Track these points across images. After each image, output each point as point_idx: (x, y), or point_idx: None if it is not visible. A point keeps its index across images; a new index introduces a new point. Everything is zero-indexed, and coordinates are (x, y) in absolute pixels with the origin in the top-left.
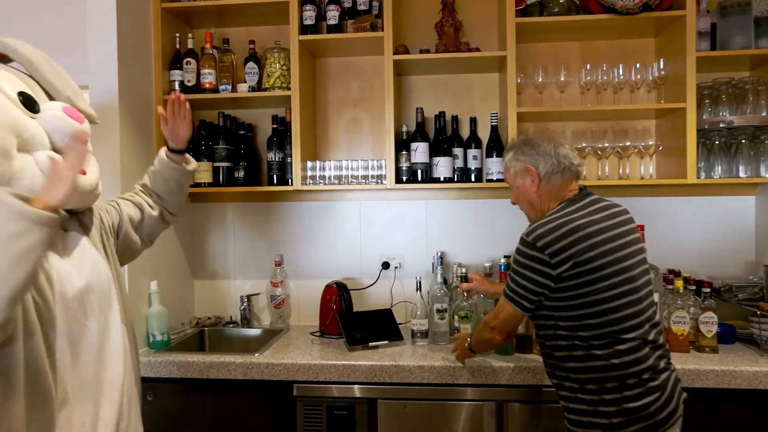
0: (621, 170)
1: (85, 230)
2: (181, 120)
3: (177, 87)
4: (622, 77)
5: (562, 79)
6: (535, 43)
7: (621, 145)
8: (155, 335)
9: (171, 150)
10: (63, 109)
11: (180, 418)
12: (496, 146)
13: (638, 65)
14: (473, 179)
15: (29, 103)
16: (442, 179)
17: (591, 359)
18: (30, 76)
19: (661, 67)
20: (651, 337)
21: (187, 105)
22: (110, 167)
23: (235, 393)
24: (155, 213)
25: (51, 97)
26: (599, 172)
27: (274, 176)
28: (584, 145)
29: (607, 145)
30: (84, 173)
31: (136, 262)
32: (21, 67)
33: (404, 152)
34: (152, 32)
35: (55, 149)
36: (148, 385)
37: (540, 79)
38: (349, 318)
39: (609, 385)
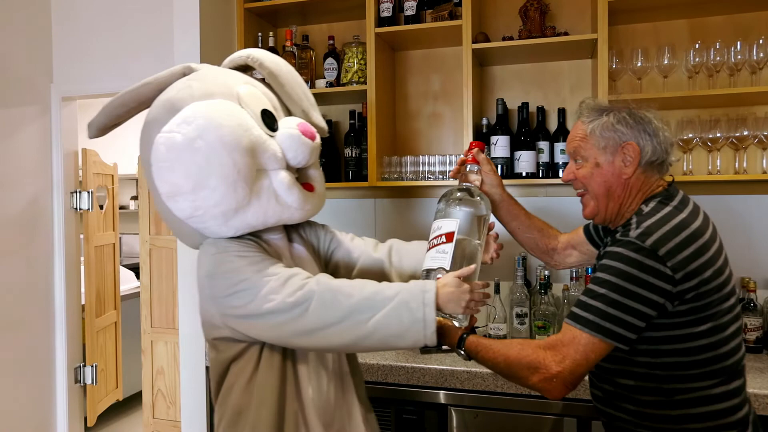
0: (737, 164)
1: (304, 243)
2: None
3: None
4: (740, 57)
5: (666, 62)
6: (633, 24)
7: (737, 134)
8: None
9: None
10: (298, 127)
11: None
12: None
13: (761, 40)
14: (561, 175)
15: (270, 122)
16: (524, 174)
17: (694, 404)
18: (270, 87)
19: None
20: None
21: None
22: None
23: None
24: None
25: (287, 110)
26: (710, 167)
27: (351, 172)
28: (691, 135)
29: (720, 135)
30: (312, 188)
31: None
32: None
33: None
34: (235, 33)
35: (288, 166)
36: None
37: (639, 64)
38: None
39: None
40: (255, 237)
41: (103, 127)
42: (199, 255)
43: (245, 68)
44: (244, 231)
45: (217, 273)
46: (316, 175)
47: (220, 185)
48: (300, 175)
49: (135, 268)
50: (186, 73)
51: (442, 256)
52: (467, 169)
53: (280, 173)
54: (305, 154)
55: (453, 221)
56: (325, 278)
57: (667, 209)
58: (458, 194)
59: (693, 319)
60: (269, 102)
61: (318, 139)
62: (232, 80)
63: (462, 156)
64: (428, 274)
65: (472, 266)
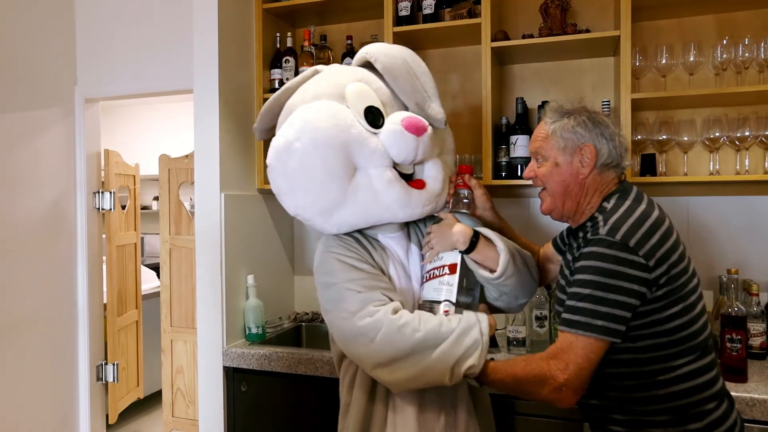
0: (767, 164)
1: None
2: None
3: (276, 85)
4: None
5: (692, 59)
6: (657, 21)
7: (767, 133)
8: (251, 328)
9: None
10: (402, 123)
11: (269, 410)
12: None
13: None
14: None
15: (374, 119)
16: None
17: (676, 382)
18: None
19: None
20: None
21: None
22: (210, 166)
23: (321, 390)
24: None
25: (404, 104)
26: (738, 166)
27: None
28: (718, 134)
29: (748, 133)
30: (422, 186)
31: (234, 255)
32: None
33: (503, 146)
34: (254, 33)
35: (395, 164)
36: (243, 376)
37: (663, 61)
38: None
39: (693, 410)
40: (363, 235)
41: (262, 129)
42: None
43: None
44: (348, 229)
45: (319, 271)
46: (432, 171)
47: (312, 185)
48: (416, 171)
49: (157, 268)
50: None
51: (447, 288)
52: (460, 195)
53: (378, 170)
54: (409, 150)
55: (455, 252)
56: (392, 311)
57: (628, 203)
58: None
59: (668, 302)
60: (378, 98)
61: (428, 132)
62: (345, 79)
63: (452, 182)
64: (432, 305)
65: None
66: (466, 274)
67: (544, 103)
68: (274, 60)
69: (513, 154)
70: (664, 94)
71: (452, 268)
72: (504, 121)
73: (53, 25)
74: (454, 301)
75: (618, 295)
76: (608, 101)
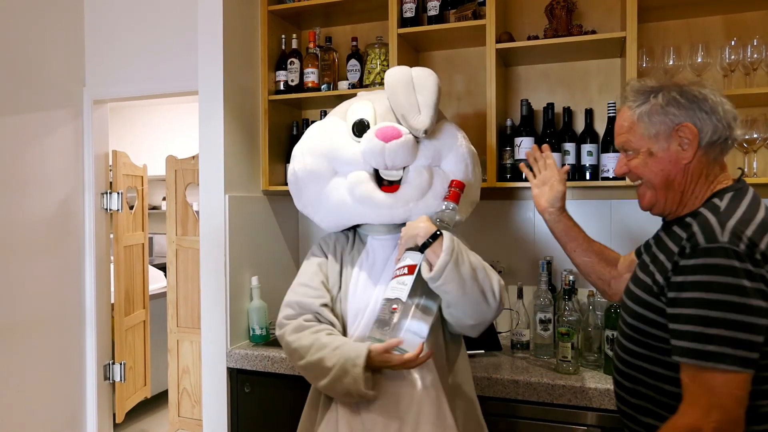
0: None
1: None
2: None
3: (282, 86)
4: None
5: (699, 60)
6: (664, 21)
7: None
8: (255, 329)
9: None
10: (375, 133)
11: (272, 411)
12: (614, 140)
13: None
14: (587, 177)
15: (361, 129)
16: None
17: None
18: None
19: None
20: None
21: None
22: (215, 167)
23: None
24: None
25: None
26: (746, 169)
27: None
28: None
29: (756, 136)
30: (394, 190)
31: (238, 256)
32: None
33: (508, 148)
34: (259, 35)
35: (378, 171)
36: (246, 377)
37: (671, 62)
38: None
39: None
40: (356, 233)
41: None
42: None
43: None
44: (335, 227)
45: None
46: (410, 177)
47: (298, 182)
48: (402, 178)
49: (165, 268)
50: None
51: (401, 287)
52: (443, 207)
53: (353, 173)
54: (376, 154)
55: (418, 255)
56: (291, 329)
57: (745, 205)
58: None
59: None
60: (375, 112)
61: (399, 140)
62: (354, 100)
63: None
64: (386, 302)
65: (395, 341)
66: (421, 278)
67: (549, 105)
68: (279, 61)
69: (518, 156)
70: None
71: (411, 269)
72: (509, 122)
73: (62, 28)
74: (404, 300)
75: (756, 317)
76: (614, 102)
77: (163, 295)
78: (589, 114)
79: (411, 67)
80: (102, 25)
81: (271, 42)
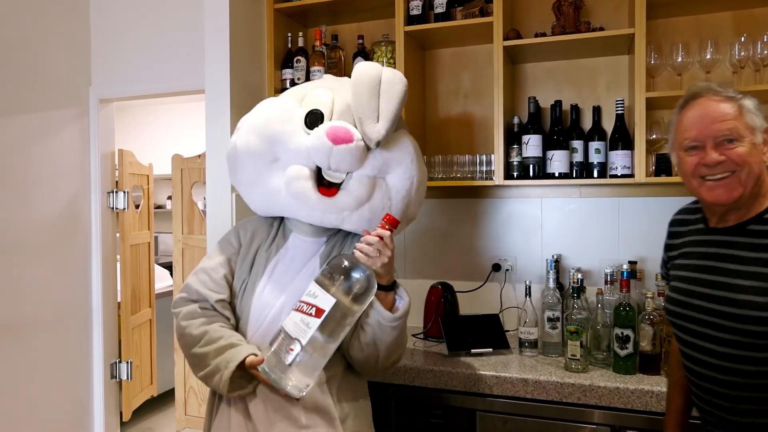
0: None
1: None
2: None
3: (288, 85)
4: None
5: (709, 56)
6: (673, 18)
7: None
8: None
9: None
10: (326, 131)
11: None
12: (622, 138)
13: None
14: (595, 174)
15: (314, 121)
16: (556, 174)
17: None
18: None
19: None
20: None
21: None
22: (222, 166)
23: None
24: None
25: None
26: None
27: None
28: None
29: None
30: (331, 194)
31: None
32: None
33: (515, 146)
34: (265, 33)
35: (322, 171)
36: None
37: (679, 59)
38: (453, 322)
39: None
40: (283, 225)
41: None
42: None
43: None
44: (264, 212)
45: None
46: (352, 185)
47: (237, 158)
48: (343, 183)
49: (171, 267)
50: None
51: (304, 329)
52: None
53: (295, 166)
54: (322, 154)
55: (330, 300)
56: (186, 313)
57: None
58: (349, 272)
59: None
60: (333, 106)
61: (350, 145)
62: (316, 84)
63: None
64: (285, 336)
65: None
66: (329, 322)
67: (557, 102)
68: (286, 60)
69: (525, 154)
70: (680, 93)
71: (319, 313)
72: (516, 120)
73: (68, 27)
74: (304, 344)
75: None
76: (622, 100)
77: (169, 293)
78: (597, 111)
79: (420, 60)
80: (108, 24)
81: (278, 40)
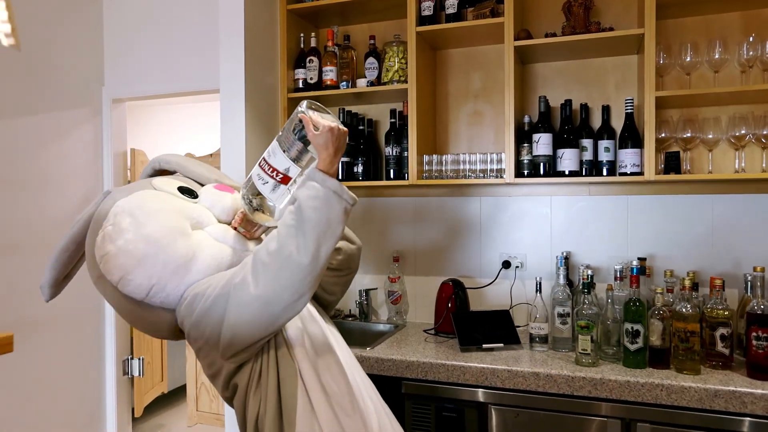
0: None
1: None
2: None
3: (301, 85)
4: None
5: (717, 56)
6: (682, 18)
7: None
8: None
9: None
10: (215, 187)
11: None
12: (631, 136)
13: None
14: (605, 173)
15: (189, 193)
16: (566, 173)
17: None
18: (187, 177)
19: None
20: None
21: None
22: (236, 165)
23: None
24: None
25: (203, 185)
26: (764, 164)
27: (391, 170)
28: (744, 131)
29: None
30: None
31: None
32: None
33: (525, 144)
34: (278, 34)
35: (220, 221)
36: None
37: (688, 59)
38: (464, 317)
39: None
40: None
41: (54, 282)
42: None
43: (161, 173)
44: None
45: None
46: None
47: (160, 247)
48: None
49: None
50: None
51: (275, 188)
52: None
53: (212, 228)
54: (227, 209)
55: (296, 169)
56: (253, 265)
57: None
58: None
59: None
60: (185, 183)
61: (236, 193)
62: (145, 180)
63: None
64: (252, 190)
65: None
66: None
67: (567, 101)
68: (298, 60)
69: (535, 152)
70: (689, 92)
71: (285, 180)
72: (526, 119)
73: (81, 28)
74: (272, 206)
75: None
76: (631, 99)
77: None
78: (606, 111)
79: (431, 60)
80: (121, 23)
81: (290, 41)
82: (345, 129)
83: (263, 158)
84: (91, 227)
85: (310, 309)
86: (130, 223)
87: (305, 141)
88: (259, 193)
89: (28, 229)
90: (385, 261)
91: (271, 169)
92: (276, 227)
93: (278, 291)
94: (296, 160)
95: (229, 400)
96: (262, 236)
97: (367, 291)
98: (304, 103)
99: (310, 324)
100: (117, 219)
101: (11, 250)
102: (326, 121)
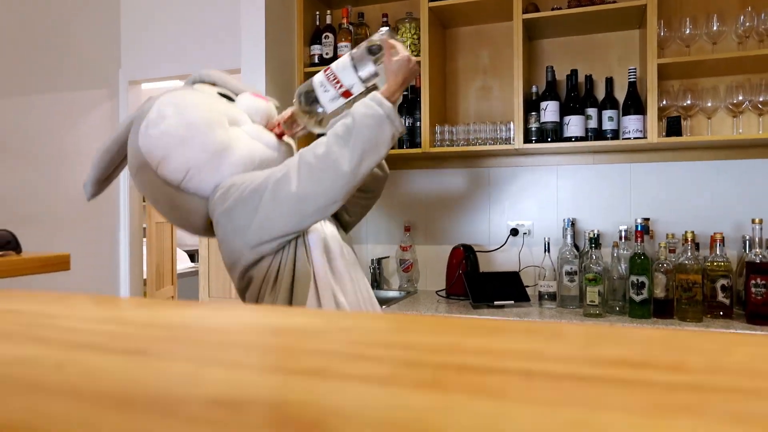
0: None
1: None
2: None
3: (316, 60)
4: None
5: (715, 28)
6: None
7: None
8: None
9: None
10: (251, 94)
11: None
12: (634, 104)
13: None
14: (608, 139)
15: (226, 97)
16: (573, 138)
17: None
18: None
19: None
20: None
21: None
22: None
23: None
24: None
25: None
26: (760, 130)
27: (405, 140)
28: (741, 98)
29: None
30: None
31: None
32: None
33: (533, 113)
34: (296, 14)
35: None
36: None
37: (687, 31)
38: (475, 277)
39: None
40: None
41: (96, 180)
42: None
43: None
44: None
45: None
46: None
47: (200, 132)
48: None
49: (192, 256)
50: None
51: (334, 99)
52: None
53: (248, 126)
54: (262, 113)
55: (360, 87)
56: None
57: None
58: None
59: None
60: (221, 90)
61: (271, 101)
62: (186, 85)
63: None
64: (309, 93)
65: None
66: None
67: (573, 71)
68: (314, 37)
69: (543, 119)
70: (689, 59)
71: (346, 94)
72: (534, 89)
73: (98, 9)
74: (328, 112)
75: None
76: (635, 68)
77: (188, 274)
78: (610, 82)
79: (441, 38)
80: (137, 5)
81: (306, 19)
82: (417, 64)
83: (331, 69)
84: (135, 124)
85: (330, 225)
86: (173, 112)
87: (378, 65)
88: (314, 99)
89: (43, 202)
90: (397, 230)
91: (336, 81)
92: (318, 135)
93: (317, 192)
94: (363, 80)
95: (242, 292)
96: (291, 141)
97: (379, 260)
98: (386, 30)
99: (330, 237)
100: (161, 108)
101: (28, 221)
102: (406, 50)
